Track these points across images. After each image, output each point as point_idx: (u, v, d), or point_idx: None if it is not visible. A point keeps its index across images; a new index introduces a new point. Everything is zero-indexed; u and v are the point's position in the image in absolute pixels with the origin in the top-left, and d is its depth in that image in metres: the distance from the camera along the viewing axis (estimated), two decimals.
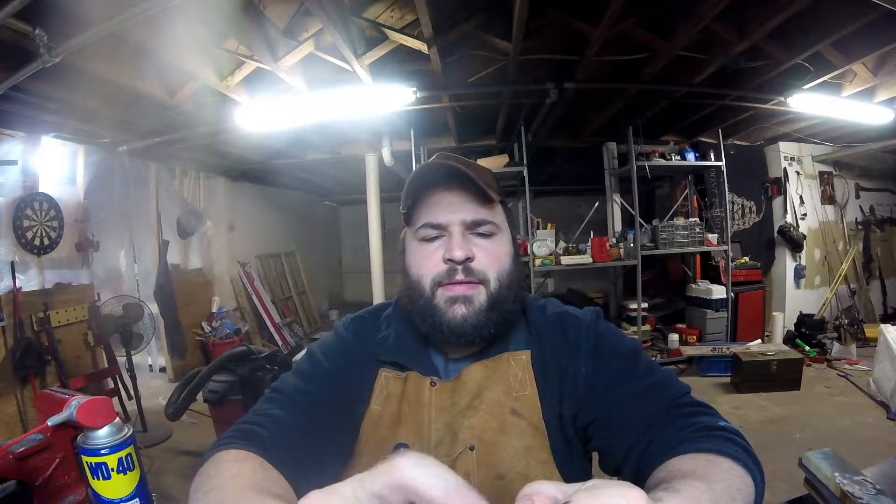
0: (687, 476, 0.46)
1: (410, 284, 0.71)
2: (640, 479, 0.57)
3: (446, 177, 0.67)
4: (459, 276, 0.66)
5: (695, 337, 4.66)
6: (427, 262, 0.69)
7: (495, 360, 0.71)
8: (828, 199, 5.35)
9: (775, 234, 5.11)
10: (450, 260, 0.66)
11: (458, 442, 0.67)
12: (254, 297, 5.60)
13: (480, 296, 0.67)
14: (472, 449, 0.67)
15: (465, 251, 0.66)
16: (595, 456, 0.71)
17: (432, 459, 0.37)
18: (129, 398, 3.39)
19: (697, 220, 4.75)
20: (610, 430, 0.65)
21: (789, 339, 4.56)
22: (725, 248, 4.58)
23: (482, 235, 0.69)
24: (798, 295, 5.10)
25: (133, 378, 3.40)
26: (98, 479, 0.59)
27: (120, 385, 3.40)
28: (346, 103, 2.98)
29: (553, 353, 0.71)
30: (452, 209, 0.67)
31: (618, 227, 5.06)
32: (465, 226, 0.67)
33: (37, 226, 3.28)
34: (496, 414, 0.68)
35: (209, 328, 4.86)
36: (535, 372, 0.70)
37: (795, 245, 4.99)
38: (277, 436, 0.60)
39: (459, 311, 0.66)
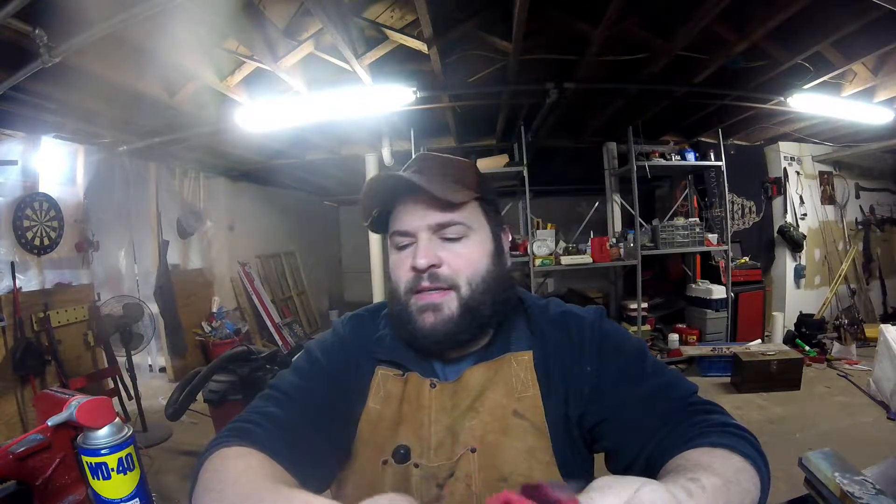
0: (707, 469, 0.47)
1: (391, 290, 0.72)
2: (648, 475, 0.57)
3: (404, 189, 0.68)
4: (425, 284, 0.66)
5: (695, 337, 4.65)
6: (399, 271, 0.69)
7: (497, 361, 0.70)
8: (828, 199, 5.35)
9: (775, 234, 5.11)
10: (414, 268, 0.66)
11: (459, 444, 0.67)
12: (254, 297, 5.60)
13: (451, 302, 0.66)
14: (473, 451, 0.66)
15: (428, 259, 0.65)
16: (597, 457, 0.71)
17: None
18: (129, 398, 3.39)
19: (697, 220, 4.74)
20: (621, 430, 0.64)
21: (789, 339, 4.56)
22: (725, 248, 4.58)
23: (451, 240, 0.68)
24: (798, 295, 5.10)
25: (133, 378, 3.40)
26: (98, 479, 0.59)
27: (120, 385, 3.40)
28: (346, 103, 2.98)
29: (557, 353, 0.71)
30: (417, 215, 0.67)
31: (618, 227, 5.06)
32: (432, 230, 0.67)
33: (37, 226, 3.28)
34: (498, 416, 0.67)
35: (209, 328, 4.86)
36: (538, 372, 0.69)
37: (795, 245, 4.99)
38: (272, 433, 0.60)
39: (429, 319, 0.66)
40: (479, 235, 0.70)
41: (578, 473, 0.68)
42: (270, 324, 5.56)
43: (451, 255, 0.67)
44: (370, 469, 0.69)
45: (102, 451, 0.59)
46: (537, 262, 4.43)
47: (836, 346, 4.41)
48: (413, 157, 0.74)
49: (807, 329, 4.59)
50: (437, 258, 0.66)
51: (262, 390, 0.71)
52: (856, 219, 5.51)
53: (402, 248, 0.69)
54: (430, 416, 0.68)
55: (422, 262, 0.65)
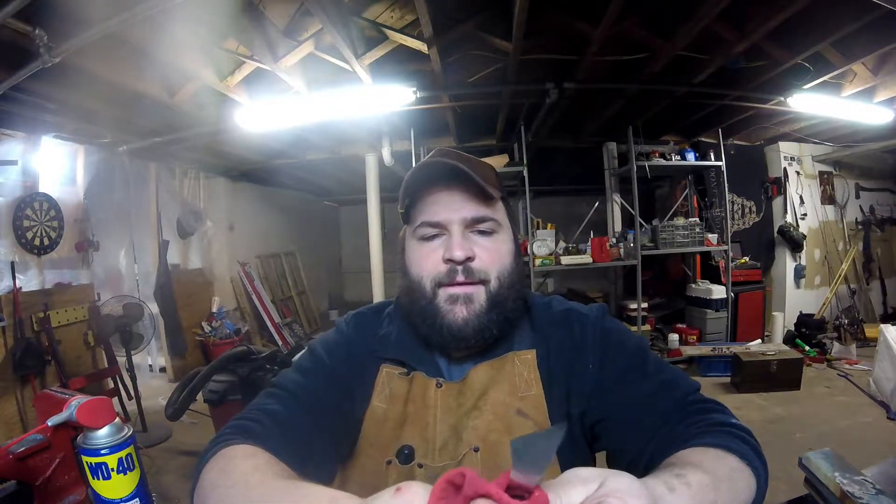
0: (697, 467, 0.46)
1: (410, 284, 0.69)
2: (649, 473, 0.57)
3: (445, 175, 0.66)
4: (460, 277, 0.65)
5: (695, 337, 4.65)
6: (427, 262, 0.67)
7: (501, 359, 0.70)
8: (828, 198, 5.35)
9: (775, 234, 5.11)
10: (450, 260, 0.65)
11: (463, 443, 0.67)
12: (254, 297, 5.60)
13: (481, 296, 0.66)
14: (476, 450, 0.66)
15: (465, 251, 0.65)
16: (599, 456, 0.71)
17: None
18: (129, 398, 3.39)
19: (697, 220, 4.74)
20: (623, 429, 0.64)
21: (789, 339, 4.56)
22: (725, 248, 4.58)
23: (483, 233, 0.67)
24: (798, 295, 5.10)
25: (133, 378, 3.40)
26: (98, 479, 0.59)
27: (120, 385, 3.40)
28: (346, 103, 2.98)
29: (559, 351, 0.70)
30: (452, 207, 0.66)
31: (618, 227, 5.06)
32: (465, 224, 0.66)
33: (37, 226, 3.28)
34: (501, 415, 0.67)
35: (209, 328, 4.86)
36: (541, 371, 0.69)
37: (795, 245, 4.99)
38: (273, 430, 0.60)
39: (460, 312, 0.65)
40: (506, 233, 0.70)
41: None
42: (270, 324, 5.56)
43: (482, 249, 0.67)
44: (373, 469, 0.69)
45: (102, 451, 0.59)
46: (537, 262, 4.42)
47: (836, 346, 4.41)
48: (432, 152, 0.72)
49: (807, 329, 4.59)
50: (471, 251, 0.66)
51: (261, 390, 0.70)
52: (856, 219, 5.51)
53: (428, 239, 0.68)
54: (435, 415, 0.68)
55: (459, 254, 0.64)
